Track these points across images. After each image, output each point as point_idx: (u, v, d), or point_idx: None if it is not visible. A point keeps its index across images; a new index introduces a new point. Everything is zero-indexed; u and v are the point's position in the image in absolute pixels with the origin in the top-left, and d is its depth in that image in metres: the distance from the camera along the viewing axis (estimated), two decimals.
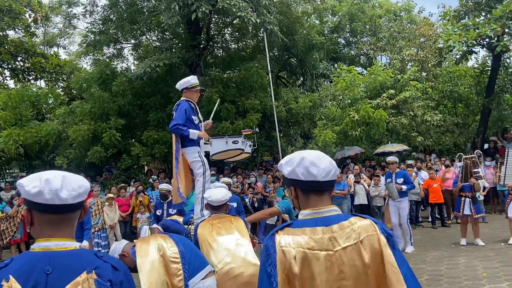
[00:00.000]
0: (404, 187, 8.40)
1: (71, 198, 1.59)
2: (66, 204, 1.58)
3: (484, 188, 10.97)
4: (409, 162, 12.88)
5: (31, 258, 1.52)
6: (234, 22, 15.32)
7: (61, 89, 19.04)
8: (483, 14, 14.01)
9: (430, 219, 11.51)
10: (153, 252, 2.90)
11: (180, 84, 4.92)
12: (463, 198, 8.46)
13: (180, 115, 4.63)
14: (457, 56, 15.25)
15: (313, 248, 1.61)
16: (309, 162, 1.73)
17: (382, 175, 11.01)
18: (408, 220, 8.57)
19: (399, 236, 8.42)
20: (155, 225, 7.75)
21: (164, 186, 8.21)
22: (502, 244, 8.23)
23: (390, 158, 9.01)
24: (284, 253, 1.61)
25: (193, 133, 4.69)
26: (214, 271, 3.15)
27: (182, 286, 2.83)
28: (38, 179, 1.58)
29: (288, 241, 1.63)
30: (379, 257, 1.60)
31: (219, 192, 3.78)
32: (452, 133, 15.73)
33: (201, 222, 3.69)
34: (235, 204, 7.07)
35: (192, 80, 4.91)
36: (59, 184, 1.58)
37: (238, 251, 3.36)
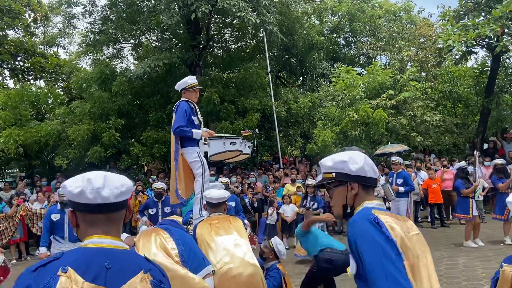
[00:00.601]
0: (401, 189, 8.45)
1: (113, 197, 1.58)
2: (109, 203, 1.57)
3: (484, 188, 10.98)
4: (407, 162, 12.90)
5: (87, 252, 1.49)
6: (233, 22, 15.32)
7: (60, 89, 19.04)
8: (483, 14, 14.02)
9: (429, 219, 11.52)
10: (155, 248, 2.91)
11: (178, 85, 4.93)
12: (470, 200, 8.39)
13: (181, 116, 4.63)
14: (457, 57, 15.26)
15: (403, 228, 1.74)
16: (371, 162, 1.93)
17: (381, 175, 11.01)
18: None
19: None
20: (145, 218, 7.77)
21: (159, 185, 8.20)
22: (501, 244, 8.24)
23: (394, 159, 9.08)
24: (393, 229, 1.68)
25: (197, 133, 4.69)
26: (213, 272, 3.15)
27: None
28: (80, 179, 1.58)
29: (388, 220, 1.72)
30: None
31: (218, 190, 3.82)
32: (451, 133, 15.74)
33: (199, 222, 3.70)
34: (233, 204, 7.07)
35: (189, 80, 4.90)
36: (101, 183, 1.57)
37: (237, 251, 3.37)
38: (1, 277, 5.55)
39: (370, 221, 1.67)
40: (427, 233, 10.19)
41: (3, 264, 5.60)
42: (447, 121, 15.82)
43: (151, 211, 7.82)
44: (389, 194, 8.31)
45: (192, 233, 3.78)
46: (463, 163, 9.13)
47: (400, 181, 8.54)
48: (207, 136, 4.89)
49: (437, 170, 12.18)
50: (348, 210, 1.90)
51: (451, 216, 11.43)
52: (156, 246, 2.93)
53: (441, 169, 11.96)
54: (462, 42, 12.72)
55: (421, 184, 11.41)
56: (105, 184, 1.58)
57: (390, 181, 8.75)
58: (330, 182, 1.94)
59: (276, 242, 4.74)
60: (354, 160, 1.88)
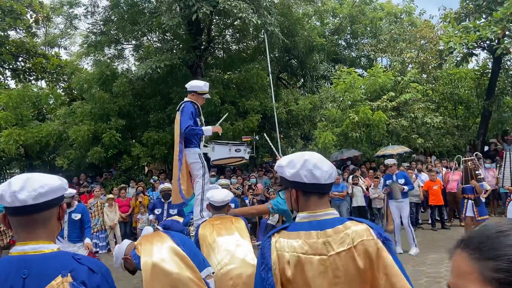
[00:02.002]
0: (405, 188, 8.51)
1: (31, 199, 1.56)
2: (27, 205, 1.56)
3: (486, 190, 10.96)
4: (406, 164, 12.92)
5: (8, 262, 1.51)
6: (235, 23, 15.33)
7: (61, 90, 19.04)
8: (484, 16, 14.04)
9: (430, 221, 11.51)
10: (159, 251, 2.90)
11: (192, 86, 4.89)
12: (466, 200, 8.43)
13: (188, 116, 4.65)
14: (458, 59, 15.26)
15: (307, 253, 1.61)
16: (312, 164, 1.73)
17: (383, 177, 11.01)
18: (409, 222, 8.60)
19: (398, 238, 8.51)
20: (151, 216, 7.76)
21: (166, 185, 8.20)
22: None
23: (389, 161, 9.09)
24: (279, 257, 1.61)
25: (207, 130, 4.74)
26: (213, 273, 3.16)
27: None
28: (6, 183, 1.61)
29: (283, 245, 1.63)
30: (374, 262, 1.60)
31: (221, 192, 3.81)
32: (452, 135, 15.74)
33: (202, 222, 3.71)
34: (233, 205, 7.08)
35: (204, 86, 4.91)
36: (19, 185, 1.57)
37: (238, 252, 3.38)
38: None
39: (261, 248, 1.68)
40: (428, 235, 10.20)
41: None
42: (448, 123, 15.82)
43: (157, 211, 7.82)
44: (397, 193, 8.40)
45: (194, 234, 3.79)
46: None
47: (402, 181, 8.58)
48: (220, 132, 4.92)
49: (438, 172, 12.17)
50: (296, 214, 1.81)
51: (452, 218, 11.44)
52: (164, 251, 2.91)
53: (443, 171, 11.95)
54: (463, 44, 12.73)
55: (422, 186, 11.41)
56: (24, 186, 1.57)
57: (390, 182, 8.75)
58: (283, 185, 1.87)
59: None
60: (293, 164, 1.75)
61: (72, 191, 6.42)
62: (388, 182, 8.78)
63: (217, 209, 3.74)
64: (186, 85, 4.98)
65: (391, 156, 11.84)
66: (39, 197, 1.58)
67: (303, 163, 1.74)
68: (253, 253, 3.49)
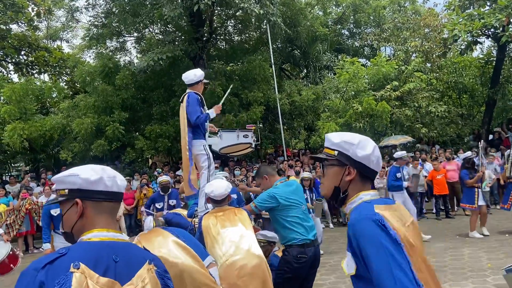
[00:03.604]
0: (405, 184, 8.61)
1: (123, 187, 1.65)
2: (120, 192, 1.63)
3: (490, 179, 10.93)
4: (411, 154, 12.88)
5: (93, 247, 1.48)
6: (237, 13, 15.24)
7: (64, 83, 19.07)
8: (488, 4, 13.88)
9: (434, 211, 11.50)
10: (163, 245, 2.91)
11: (188, 79, 4.87)
12: (476, 190, 8.31)
13: (195, 107, 4.63)
14: (462, 47, 15.12)
15: (402, 220, 1.70)
16: (379, 154, 1.82)
17: (386, 167, 11.00)
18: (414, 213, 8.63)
19: None
20: (149, 218, 7.79)
21: (164, 178, 8.19)
22: (507, 235, 8.22)
23: (399, 154, 9.06)
24: (397, 229, 1.62)
25: (211, 113, 4.74)
26: (215, 261, 3.17)
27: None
28: (90, 168, 1.60)
29: (388, 217, 1.65)
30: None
31: (220, 185, 3.75)
32: (456, 125, 15.66)
33: (204, 214, 3.71)
34: (235, 196, 7.08)
35: (198, 73, 4.89)
36: (113, 172, 1.63)
37: (242, 243, 3.38)
38: (12, 265, 5.58)
39: (376, 223, 1.58)
40: (432, 224, 10.20)
41: (11, 252, 5.62)
42: (452, 112, 15.74)
43: (158, 205, 7.81)
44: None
45: (197, 226, 3.79)
46: (469, 153, 9.10)
47: (399, 174, 8.66)
48: (219, 111, 4.90)
49: (442, 161, 12.13)
50: (341, 196, 1.79)
51: (455, 207, 11.42)
52: (169, 244, 2.92)
53: (444, 161, 11.93)
54: (468, 31, 12.61)
55: (426, 176, 11.38)
56: (116, 174, 1.64)
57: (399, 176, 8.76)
58: (329, 158, 1.82)
59: (265, 233, 4.71)
60: (364, 145, 1.77)
61: None
62: (400, 174, 8.75)
63: (218, 202, 3.73)
64: (184, 79, 4.96)
65: (394, 146, 11.81)
66: (124, 187, 1.69)
67: (373, 149, 1.78)
68: (257, 244, 3.50)
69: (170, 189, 7.91)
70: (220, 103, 5.13)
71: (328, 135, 1.88)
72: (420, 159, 11.97)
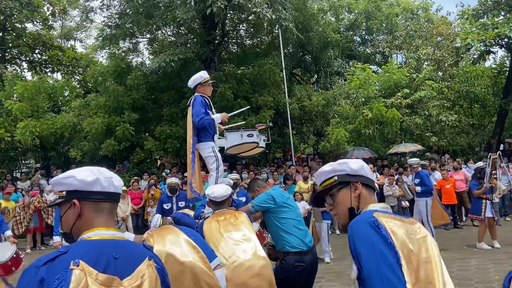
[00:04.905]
0: (418, 188, 8.47)
1: (119, 188, 1.67)
2: (117, 193, 1.66)
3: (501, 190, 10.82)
4: (422, 162, 12.77)
5: (94, 245, 1.52)
6: (249, 18, 15.30)
7: (77, 82, 19.28)
8: (503, 13, 13.78)
9: None
10: (175, 243, 2.92)
11: (193, 81, 4.90)
12: (483, 201, 8.25)
13: (199, 108, 4.64)
14: (475, 56, 15.02)
15: (408, 231, 1.71)
16: (367, 166, 1.96)
17: (396, 175, 10.98)
18: (429, 220, 8.58)
19: None
20: (149, 209, 7.82)
21: (173, 180, 8.26)
22: None
23: (412, 161, 9.08)
24: (394, 233, 1.64)
25: (217, 117, 4.73)
26: (221, 263, 3.19)
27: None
28: (88, 170, 1.63)
29: (390, 223, 1.68)
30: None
31: (220, 187, 3.81)
32: (467, 134, 15.52)
33: (205, 219, 3.71)
34: (244, 199, 7.07)
35: (204, 75, 4.91)
36: (109, 173, 1.65)
37: (247, 246, 3.42)
38: (14, 268, 5.64)
39: (370, 224, 1.63)
40: (440, 234, 10.10)
41: (14, 255, 5.68)
42: (463, 122, 15.62)
43: (166, 206, 7.87)
44: (406, 193, 8.43)
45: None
46: (481, 163, 9.02)
47: (417, 181, 8.59)
48: (225, 119, 4.89)
49: (450, 171, 12.03)
50: (356, 214, 1.82)
51: (463, 217, 11.31)
52: (181, 242, 2.94)
53: (451, 170, 11.83)
54: (481, 41, 12.52)
55: (435, 185, 11.29)
56: (112, 175, 1.66)
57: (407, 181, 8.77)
58: (333, 186, 1.89)
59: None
60: (352, 161, 1.90)
61: None
62: (416, 180, 8.73)
63: (218, 204, 3.75)
64: (189, 85, 4.98)
65: (403, 154, 11.75)
66: (121, 188, 1.71)
67: (362, 162, 1.92)
68: (261, 246, 3.53)
69: (178, 191, 7.96)
70: (230, 114, 5.13)
71: (316, 174, 2.00)
72: (429, 168, 11.89)
